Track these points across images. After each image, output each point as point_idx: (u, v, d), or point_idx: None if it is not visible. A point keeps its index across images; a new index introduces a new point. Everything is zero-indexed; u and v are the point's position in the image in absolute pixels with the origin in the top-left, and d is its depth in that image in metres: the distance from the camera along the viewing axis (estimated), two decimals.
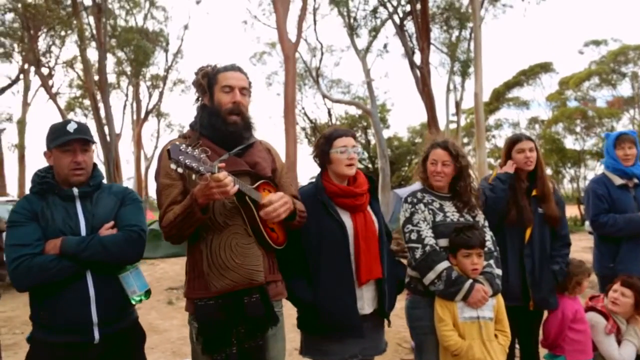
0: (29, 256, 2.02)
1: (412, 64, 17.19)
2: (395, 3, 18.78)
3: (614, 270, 3.39)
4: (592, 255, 3.72)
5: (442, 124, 19.62)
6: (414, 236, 2.65)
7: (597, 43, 27.44)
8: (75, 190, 2.20)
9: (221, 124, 2.16)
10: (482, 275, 2.58)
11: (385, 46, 21.55)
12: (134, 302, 2.23)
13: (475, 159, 14.78)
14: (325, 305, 2.39)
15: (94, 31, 17.11)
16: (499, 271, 2.65)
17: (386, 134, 28.43)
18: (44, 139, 2.26)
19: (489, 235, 2.74)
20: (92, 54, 18.94)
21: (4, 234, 2.24)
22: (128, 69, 22.99)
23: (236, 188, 1.93)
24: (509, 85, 28.94)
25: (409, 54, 17.62)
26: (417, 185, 3.01)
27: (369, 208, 2.61)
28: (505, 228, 3.03)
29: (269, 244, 2.17)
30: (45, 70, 21.68)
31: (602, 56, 26.67)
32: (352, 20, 20.31)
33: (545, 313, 3.21)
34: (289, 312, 2.42)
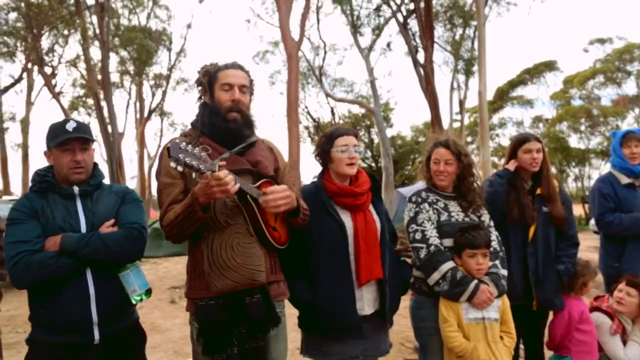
0: (29, 253, 2.02)
1: (416, 63, 17.16)
2: (398, 1, 18.75)
3: (619, 269, 3.37)
4: (597, 254, 3.69)
5: (445, 123, 19.60)
6: (418, 236, 2.62)
7: (602, 41, 27.27)
8: (76, 189, 2.19)
9: (221, 121, 2.14)
10: (487, 276, 2.55)
11: (388, 45, 21.52)
12: (134, 302, 2.21)
13: (479, 157, 14.73)
14: (324, 306, 2.37)
15: (97, 30, 17.10)
16: (504, 272, 2.62)
17: (389, 132, 28.43)
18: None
19: (494, 235, 2.71)
20: (95, 53, 19.00)
21: (4, 234, 2.23)
22: (131, 68, 22.96)
23: (237, 187, 1.91)
24: (513, 84, 28.82)
25: (413, 52, 17.58)
26: (420, 184, 2.98)
27: (371, 208, 2.58)
28: (508, 226, 2.99)
29: (271, 243, 2.15)
30: (48, 70, 21.77)
31: (607, 54, 26.49)
32: (355, 19, 20.25)
33: (551, 315, 3.18)
34: (290, 312, 2.40)
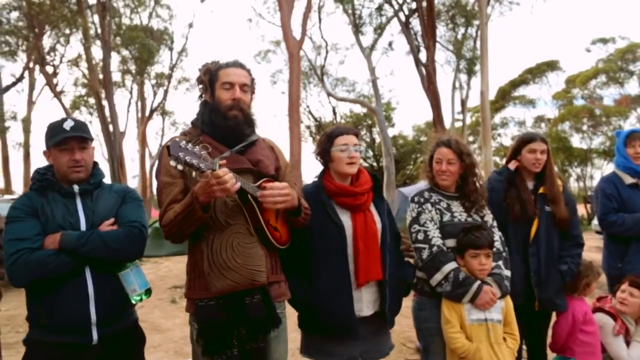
0: (27, 250, 2.00)
1: (418, 62, 17.15)
2: (400, 0, 18.73)
3: (622, 270, 3.36)
4: (599, 254, 3.67)
5: (447, 123, 19.56)
6: (420, 236, 2.60)
7: (604, 41, 27.24)
8: (76, 188, 2.18)
9: (221, 119, 2.12)
10: (490, 277, 2.53)
11: (390, 44, 21.62)
12: (134, 302, 2.19)
13: (481, 157, 14.70)
14: (322, 306, 2.36)
15: (99, 29, 17.11)
16: (507, 272, 2.60)
17: (391, 132, 28.43)
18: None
19: (497, 235, 2.68)
20: (97, 52, 18.97)
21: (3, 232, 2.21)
22: (133, 68, 22.96)
23: (238, 185, 1.89)
24: (515, 84, 28.81)
25: (415, 51, 17.57)
26: (422, 184, 2.96)
27: (372, 208, 2.56)
28: (509, 225, 2.97)
29: (272, 243, 2.13)
30: (50, 69, 21.76)
31: (610, 54, 26.47)
32: (357, 18, 20.24)
33: (554, 316, 3.15)
34: (291, 312, 2.38)
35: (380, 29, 20.43)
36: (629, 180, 3.44)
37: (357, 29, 20.29)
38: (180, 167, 1.73)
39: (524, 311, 2.87)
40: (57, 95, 21.53)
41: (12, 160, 25.02)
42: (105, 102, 17.23)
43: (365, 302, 2.44)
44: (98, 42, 17.62)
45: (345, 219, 2.45)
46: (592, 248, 9.75)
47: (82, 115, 25.88)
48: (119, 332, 2.16)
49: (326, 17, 36.28)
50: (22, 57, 21.18)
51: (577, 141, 22.76)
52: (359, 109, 28.67)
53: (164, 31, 24.78)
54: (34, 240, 2.03)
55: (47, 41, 20.87)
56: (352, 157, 2.46)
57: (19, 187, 23.80)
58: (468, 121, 26.67)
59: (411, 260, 2.77)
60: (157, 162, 2.25)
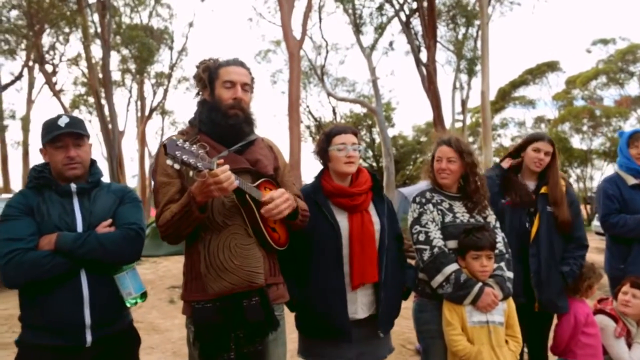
0: (22, 251, 1.95)
1: (418, 62, 17.13)
2: (401, 0, 18.70)
3: (624, 271, 3.35)
4: (600, 256, 3.64)
5: (447, 123, 19.52)
6: (422, 237, 2.57)
7: (605, 42, 27.24)
8: (73, 186, 2.13)
9: (221, 118, 2.08)
10: (492, 279, 2.50)
11: (390, 44, 21.57)
12: (128, 305, 2.14)
13: (481, 158, 14.68)
14: (316, 308, 2.33)
15: (99, 28, 17.10)
16: (510, 274, 2.56)
17: (391, 132, 28.45)
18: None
19: (500, 236, 2.65)
20: (97, 51, 18.95)
21: None
22: (132, 67, 22.94)
23: (235, 185, 1.85)
24: (515, 84, 28.82)
25: (415, 51, 17.55)
26: (422, 184, 2.93)
27: (371, 208, 2.52)
28: (506, 220, 2.94)
29: (270, 244, 2.09)
30: (49, 68, 21.75)
31: (610, 55, 26.48)
32: (357, 18, 20.22)
33: (555, 319, 3.12)
34: (289, 313, 2.35)
35: (380, 29, 20.42)
36: (631, 181, 3.42)
37: (357, 28, 20.27)
38: (177, 166, 1.70)
39: (525, 312, 2.84)
40: (57, 94, 21.51)
41: (11, 159, 25.06)
42: (104, 101, 17.22)
43: (360, 305, 2.41)
44: (98, 41, 17.61)
45: (342, 219, 2.42)
46: (593, 249, 9.69)
47: (81, 114, 25.85)
48: (113, 335, 2.12)
49: (326, 16, 36.26)
50: (21, 55, 21.20)
51: (577, 142, 22.81)
52: (359, 109, 28.72)
53: (164, 30, 24.77)
54: (28, 240, 1.98)
55: (46, 40, 20.91)
56: (350, 156, 2.43)
57: (17, 186, 23.78)
58: (468, 121, 26.69)
59: (411, 261, 2.74)
60: (153, 162, 2.22)
